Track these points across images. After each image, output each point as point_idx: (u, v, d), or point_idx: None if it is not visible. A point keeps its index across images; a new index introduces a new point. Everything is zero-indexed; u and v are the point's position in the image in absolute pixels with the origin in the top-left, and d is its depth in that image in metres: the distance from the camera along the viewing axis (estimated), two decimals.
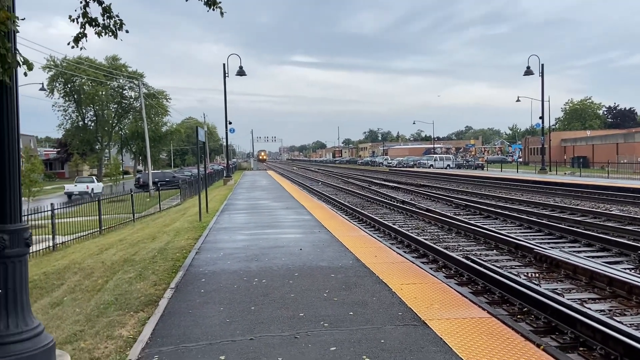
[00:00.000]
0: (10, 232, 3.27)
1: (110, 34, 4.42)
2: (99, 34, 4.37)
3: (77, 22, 4.22)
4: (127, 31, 4.54)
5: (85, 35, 4.26)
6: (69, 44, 4.27)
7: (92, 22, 4.28)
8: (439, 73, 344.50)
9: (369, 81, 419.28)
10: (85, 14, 4.24)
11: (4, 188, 3.28)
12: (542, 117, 42.30)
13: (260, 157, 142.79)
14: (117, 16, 4.43)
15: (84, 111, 67.59)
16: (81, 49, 4.32)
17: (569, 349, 5.40)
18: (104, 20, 4.38)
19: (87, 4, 4.26)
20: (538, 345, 4.51)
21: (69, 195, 37.22)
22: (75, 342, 5.06)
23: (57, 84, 62.73)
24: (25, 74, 3.30)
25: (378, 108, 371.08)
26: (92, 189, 37.51)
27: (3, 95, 3.25)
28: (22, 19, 3.44)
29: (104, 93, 64.41)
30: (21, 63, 3.24)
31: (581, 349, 5.43)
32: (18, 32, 3.33)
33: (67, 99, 65.25)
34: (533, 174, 40.16)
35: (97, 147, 68.69)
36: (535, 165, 51.59)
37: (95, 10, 4.30)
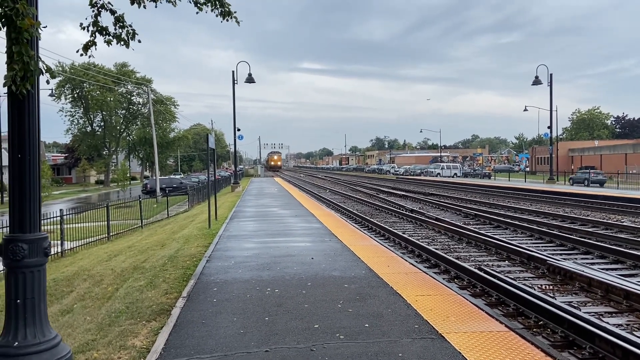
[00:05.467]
0: (29, 242, 3.24)
1: (122, 43, 4.37)
2: (108, 42, 4.31)
3: (88, 30, 4.18)
4: (139, 41, 4.49)
5: (94, 43, 4.21)
6: (77, 51, 4.22)
7: (103, 31, 4.24)
8: (448, 81, 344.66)
9: (377, 88, 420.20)
10: (96, 23, 4.20)
11: (23, 198, 3.25)
12: (550, 127, 42.16)
13: (273, 163, 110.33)
14: (130, 26, 4.39)
15: (92, 117, 67.98)
16: (90, 57, 4.27)
17: None
18: (115, 29, 4.34)
19: (98, 13, 4.22)
20: None
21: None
22: (88, 351, 5.01)
23: (65, 90, 63.17)
24: (48, 82, 3.28)
25: (385, 115, 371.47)
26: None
27: (25, 104, 3.22)
28: (45, 27, 3.42)
29: (112, 99, 64.76)
30: (44, 71, 3.22)
31: None
32: (40, 39, 3.31)
33: (74, 104, 65.67)
34: (541, 183, 39.94)
35: (104, 152, 69.01)
36: (543, 175, 51.31)
37: (106, 19, 4.26)
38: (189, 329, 5.27)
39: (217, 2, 5.02)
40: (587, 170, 41.88)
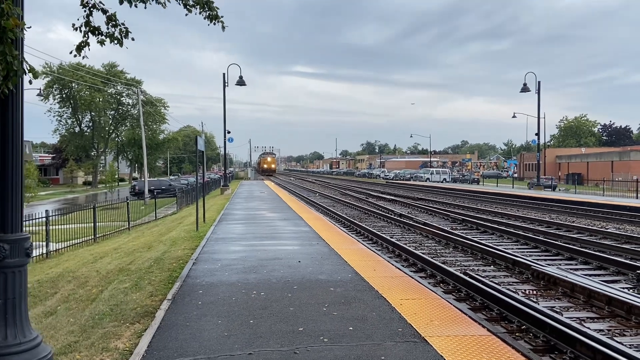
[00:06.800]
0: (11, 242, 3.22)
1: (116, 42, 4.38)
2: (101, 42, 4.33)
3: (80, 31, 4.19)
4: (133, 39, 4.51)
5: (88, 44, 4.22)
6: (71, 52, 4.24)
7: (96, 30, 4.25)
8: (439, 87, 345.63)
9: (368, 93, 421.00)
10: (88, 23, 4.21)
11: (5, 197, 3.24)
12: (538, 134, 42.57)
13: (266, 165, 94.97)
14: (123, 24, 4.41)
15: (81, 117, 67.45)
16: (83, 57, 4.29)
17: None
18: (108, 28, 4.35)
19: (90, 13, 4.23)
20: None
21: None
22: (70, 353, 4.98)
23: (54, 90, 62.61)
24: (30, 82, 3.28)
25: (376, 120, 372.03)
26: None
27: (7, 104, 3.21)
28: (29, 27, 3.42)
29: (101, 99, 64.32)
30: (27, 71, 3.21)
31: None
32: (24, 39, 3.31)
33: (63, 104, 65.12)
34: (528, 189, 40.29)
35: (92, 153, 68.47)
36: (530, 181, 51.80)
37: (99, 19, 4.27)
38: (172, 331, 5.25)
39: (205, 5, 5.06)
40: (544, 177, 47.97)
